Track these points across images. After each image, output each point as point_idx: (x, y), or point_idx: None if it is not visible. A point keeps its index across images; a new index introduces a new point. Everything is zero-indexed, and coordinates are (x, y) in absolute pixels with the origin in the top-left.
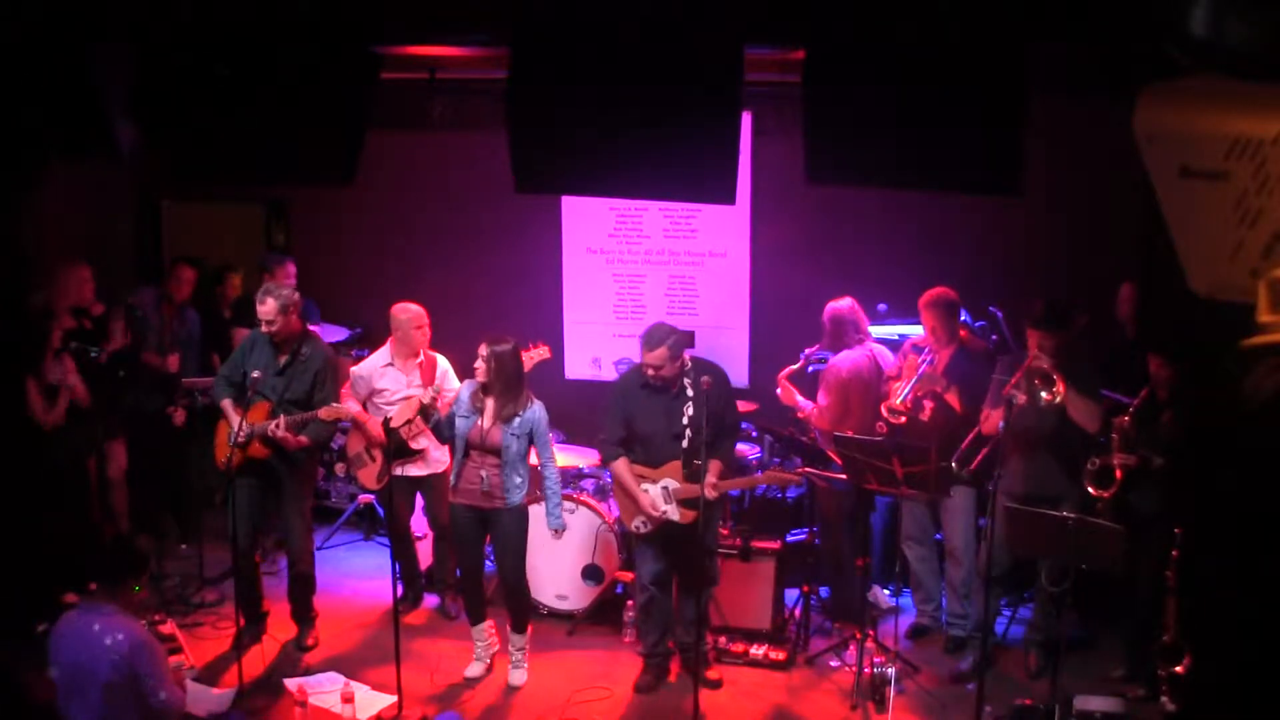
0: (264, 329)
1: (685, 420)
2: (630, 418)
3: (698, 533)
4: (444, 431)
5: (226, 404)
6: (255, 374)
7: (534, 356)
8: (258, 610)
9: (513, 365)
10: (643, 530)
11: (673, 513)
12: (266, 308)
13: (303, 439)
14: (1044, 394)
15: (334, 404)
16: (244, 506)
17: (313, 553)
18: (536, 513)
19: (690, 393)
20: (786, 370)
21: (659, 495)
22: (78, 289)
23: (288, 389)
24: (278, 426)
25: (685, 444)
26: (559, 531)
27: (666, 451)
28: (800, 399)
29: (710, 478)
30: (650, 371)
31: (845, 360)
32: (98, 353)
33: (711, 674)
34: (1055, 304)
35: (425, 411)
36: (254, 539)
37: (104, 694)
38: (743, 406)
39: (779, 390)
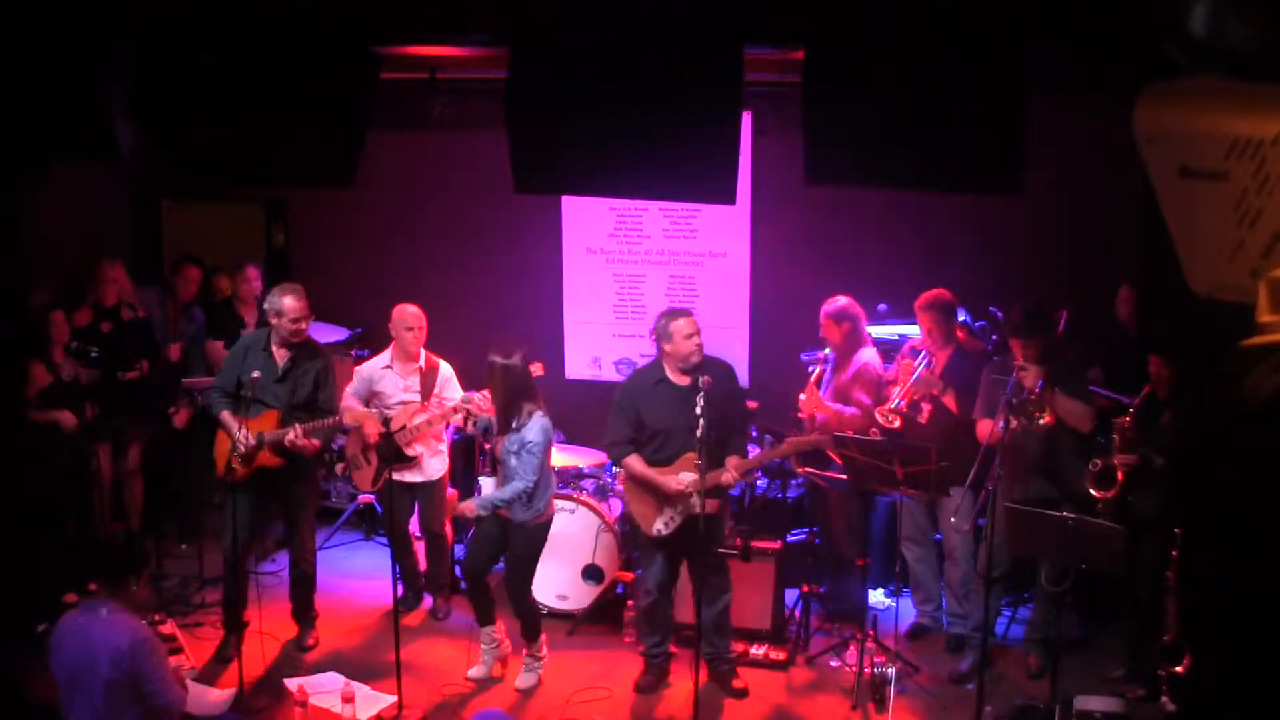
0: (295, 327)
1: (698, 411)
2: (641, 418)
3: (711, 534)
4: (482, 433)
5: (226, 415)
6: (255, 374)
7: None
8: (238, 620)
9: (509, 379)
10: (663, 533)
11: (695, 505)
12: (301, 304)
13: (315, 441)
14: (1037, 415)
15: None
16: (244, 516)
17: (315, 553)
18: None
19: (704, 378)
20: (813, 378)
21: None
22: (104, 288)
23: (293, 394)
24: (296, 435)
25: (699, 433)
26: (468, 507)
27: (681, 446)
28: (837, 405)
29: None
30: (697, 340)
31: (875, 358)
32: (97, 353)
33: (737, 683)
34: (1032, 310)
35: (469, 419)
36: (248, 547)
37: (105, 692)
38: None
39: (803, 398)
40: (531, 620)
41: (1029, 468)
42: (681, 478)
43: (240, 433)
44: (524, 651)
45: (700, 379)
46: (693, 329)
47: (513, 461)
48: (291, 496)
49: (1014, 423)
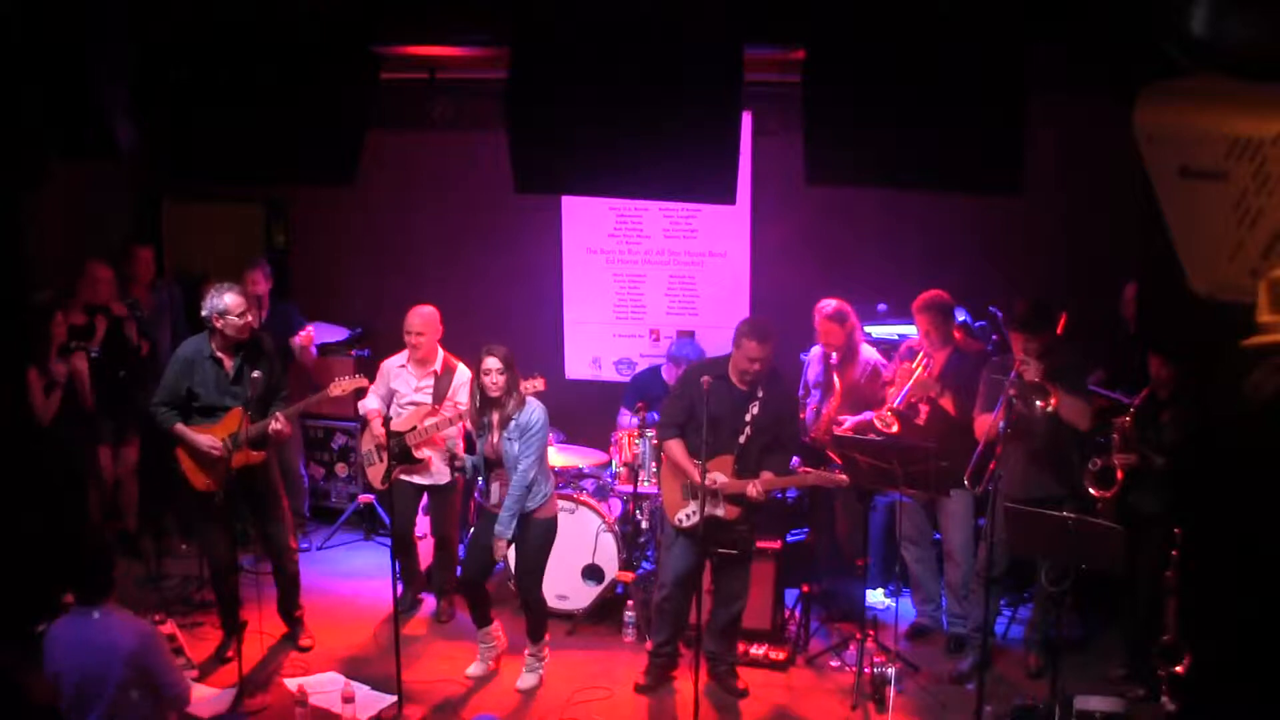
0: (241, 323)
1: (748, 418)
2: (694, 407)
3: (735, 539)
4: (472, 471)
5: (181, 428)
6: (256, 374)
7: (528, 389)
8: (235, 623)
9: (512, 373)
10: (684, 524)
11: (718, 508)
12: (242, 300)
13: (290, 427)
14: (1039, 402)
15: (340, 380)
16: (225, 522)
17: (297, 550)
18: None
19: (760, 393)
20: (833, 410)
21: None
22: (93, 289)
23: (253, 388)
24: (281, 424)
25: (743, 440)
26: (502, 541)
27: (721, 446)
28: (858, 419)
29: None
30: (756, 366)
31: (875, 353)
32: (97, 353)
33: (738, 684)
34: (1035, 305)
35: (453, 461)
36: (234, 552)
37: (119, 692)
38: None
39: (835, 424)
40: (540, 618)
41: (1031, 461)
42: (711, 475)
43: (207, 440)
44: (526, 650)
45: (703, 379)
46: (757, 354)
47: (514, 449)
48: (264, 498)
49: (1015, 404)
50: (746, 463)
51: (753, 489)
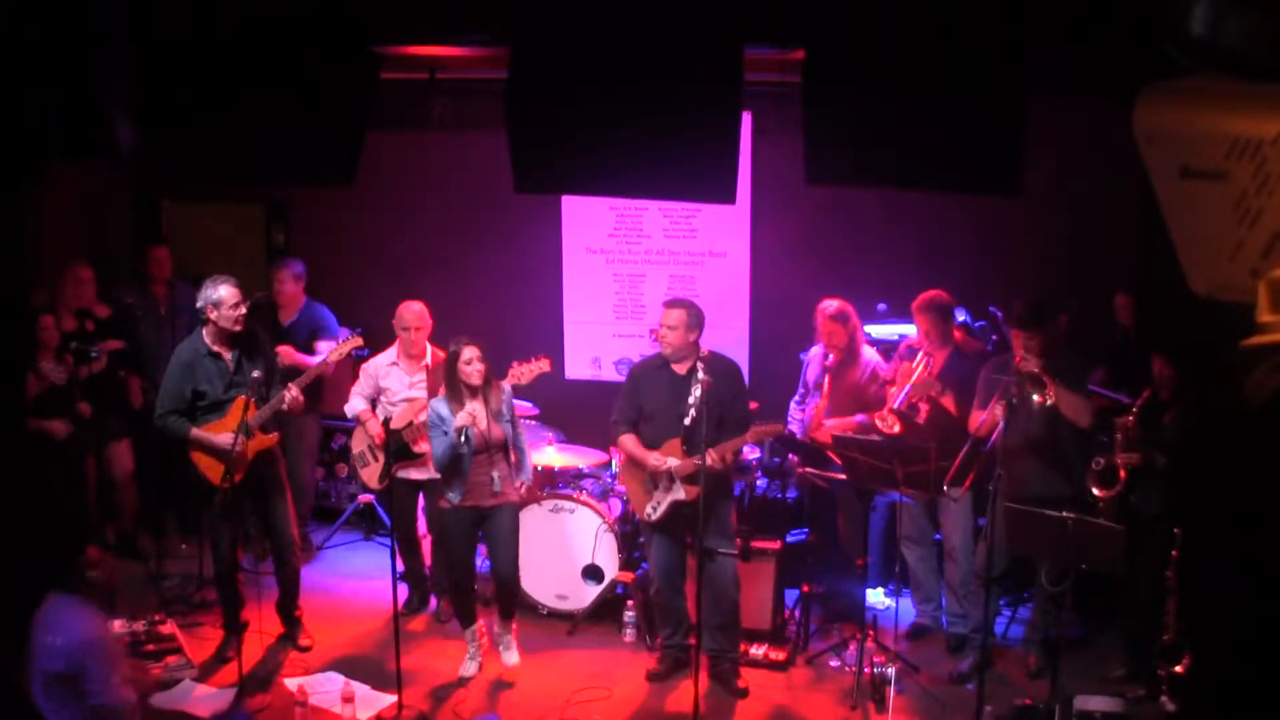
0: (236, 314)
1: (690, 401)
2: (641, 398)
3: (709, 527)
4: (450, 463)
5: (198, 433)
6: (256, 373)
7: (534, 369)
8: (237, 622)
9: (487, 363)
10: (653, 517)
11: (677, 490)
12: (238, 291)
13: (302, 397)
14: (1035, 396)
15: (338, 345)
16: (232, 518)
17: (299, 544)
18: (529, 514)
19: (701, 375)
20: (821, 410)
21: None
22: (75, 289)
23: (253, 387)
24: (295, 392)
25: (687, 422)
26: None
27: (668, 431)
28: (858, 416)
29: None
30: (669, 334)
31: (876, 355)
32: (97, 354)
33: (741, 684)
34: (1035, 303)
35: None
36: (235, 549)
37: (44, 681)
38: None
39: (829, 423)
40: (514, 598)
41: (1031, 460)
42: (665, 460)
43: (222, 436)
44: (494, 629)
45: (697, 374)
46: (673, 321)
47: (512, 431)
48: (269, 488)
49: (1011, 395)
50: (696, 443)
51: (710, 457)
